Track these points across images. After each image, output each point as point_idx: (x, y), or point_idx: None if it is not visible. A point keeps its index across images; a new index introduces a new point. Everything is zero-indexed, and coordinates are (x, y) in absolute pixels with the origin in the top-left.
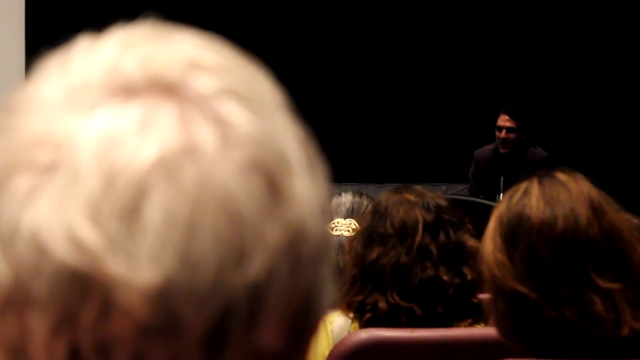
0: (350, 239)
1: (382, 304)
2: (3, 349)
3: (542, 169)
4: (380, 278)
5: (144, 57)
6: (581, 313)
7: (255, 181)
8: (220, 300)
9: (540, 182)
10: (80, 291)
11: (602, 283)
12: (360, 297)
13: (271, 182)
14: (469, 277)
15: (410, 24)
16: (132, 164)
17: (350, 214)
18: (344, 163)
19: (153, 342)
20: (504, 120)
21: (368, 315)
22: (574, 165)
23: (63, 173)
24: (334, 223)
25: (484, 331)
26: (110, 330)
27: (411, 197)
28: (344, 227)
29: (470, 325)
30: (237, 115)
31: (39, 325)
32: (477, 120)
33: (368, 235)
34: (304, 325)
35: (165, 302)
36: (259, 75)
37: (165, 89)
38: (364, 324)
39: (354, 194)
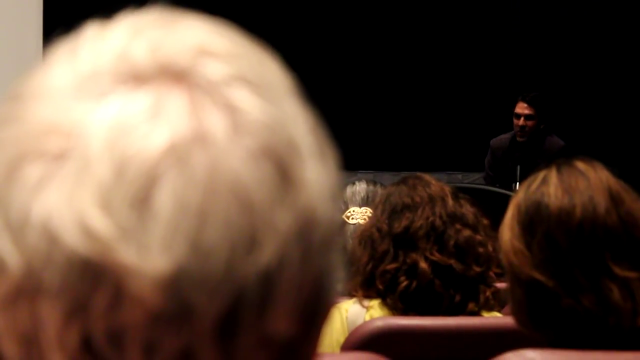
0: (368, 225)
1: (423, 264)
2: (15, 338)
3: (561, 158)
4: (414, 241)
5: (153, 44)
6: (598, 301)
7: (266, 168)
8: (232, 288)
9: (558, 171)
10: (92, 280)
11: (619, 272)
12: (395, 264)
13: (282, 168)
14: (490, 247)
15: (427, 12)
16: (142, 152)
17: (366, 202)
18: (360, 151)
19: (165, 330)
20: (522, 108)
21: (404, 284)
22: (591, 154)
23: (73, 161)
24: (349, 211)
25: (500, 319)
26: (122, 318)
27: (426, 176)
28: (360, 215)
29: (492, 295)
30: (247, 101)
31: (51, 315)
32: (494, 109)
33: (392, 209)
34: (315, 312)
35: (177, 290)
36: (268, 61)
37: (175, 75)
38: (398, 297)
39: (368, 182)
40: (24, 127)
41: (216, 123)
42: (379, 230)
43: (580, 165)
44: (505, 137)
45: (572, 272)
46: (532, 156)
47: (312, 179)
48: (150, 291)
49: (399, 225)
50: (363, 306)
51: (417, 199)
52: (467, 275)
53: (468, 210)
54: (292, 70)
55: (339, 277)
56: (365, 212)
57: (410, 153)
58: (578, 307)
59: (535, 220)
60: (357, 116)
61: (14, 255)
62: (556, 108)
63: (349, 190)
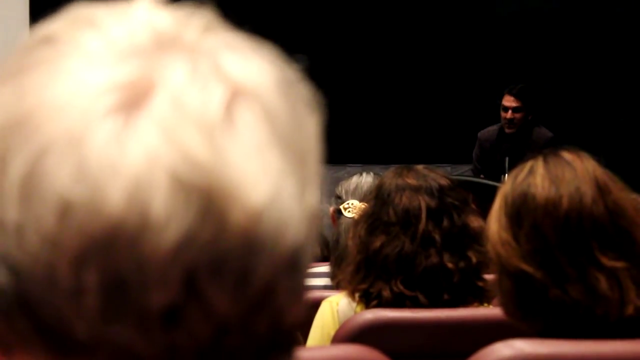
0: (354, 224)
1: (386, 293)
2: (107, 280)
3: (547, 148)
4: (384, 267)
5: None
6: (586, 292)
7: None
8: (302, 221)
9: (545, 161)
10: (198, 208)
11: (606, 262)
12: (364, 286)
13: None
14: (474, 260)
15: (414, 7)
16: (217, 90)
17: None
18: (349, 145)
19: (258, 259)
20: (509, 101)
21: (374, 302)
22: (579, 145)
23: (160, 101)
24: (347, 204)
25: (490, 311)
26: (223, 247)
27: (413, 182)
28: (357, 210)
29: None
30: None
31: (156, 249)
32: (481, 101)
33: (371, 222)
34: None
35: (271, 217)
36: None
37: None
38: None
39: (374, 176)
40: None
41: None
42: (359, 238)
43: (567, 155)
44: (492, 129)
45: (559, 262)
46: (520, 148)
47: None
48: (251, 217)
49: (372, 246)
50: (353, 299)
51: (393, 217)
52: (435, 305)
53: (449, 224)
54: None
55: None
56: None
57: (399, 146)
58: (566, 298)
59: (522, 211)
60: (345, 110)
61: (116, 191)
62: (543, 99)
63: (354, 180)
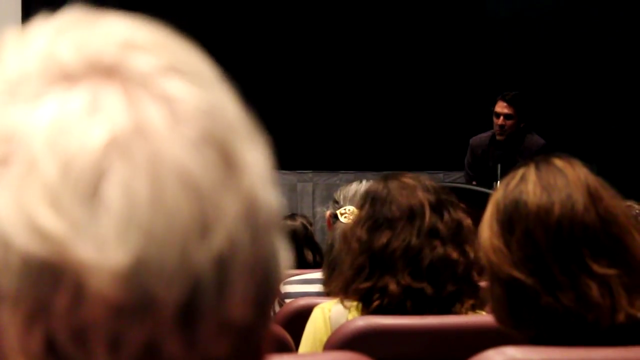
0: (351, 227)
1: (393, 287)
2: None
3: (539, 156)
4: (391, 262)
5: (78, 42)
6: (577, 299)
7: (209, 154)
8: (189, 275)
9: (537, 168)
10: (51, 280)
11: (598, 269)
12: (368, 284)
13: (224, 153)
14: (471, 254)
15: (405, 10)
16: (85, 148)
17: None
18: (342, 152)
19: (128, 323)
20: (502, 107)
21: (376, 302)
22: (571, 153)
23: (17, 165)
24: (344, 209)
25: (482, 318)
26: (84, 316)
27: (409, 181)
28: (354, 216)
29: (472, 307)
30: (181, 90)
31: (11, 320)
32: (474, 108)
33: (374, 222)
34: (266, 295)
35: (137, 281)
36: (193, 51)
37: (105, 71)
38: (371, 313)
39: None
40: None
41: (154, 114)
42: (359, 240)
43: (559, 162)
44: (484, 135)
45: (551, 269)
46: (513, 155)
47: (252, 162)
48: (110, 285)
49: (378, 243)
50: (345, 306)
51: (397, 213)
52: (440, 296)
53: (449, 218)
54: (274, 72)
55: (283, 260)
56: None
57: (392, 153)
58: (557, 305)
59: (514, 218)
60: (339, 116)
61: None
62: (536, 107)
63: (353, 187)
